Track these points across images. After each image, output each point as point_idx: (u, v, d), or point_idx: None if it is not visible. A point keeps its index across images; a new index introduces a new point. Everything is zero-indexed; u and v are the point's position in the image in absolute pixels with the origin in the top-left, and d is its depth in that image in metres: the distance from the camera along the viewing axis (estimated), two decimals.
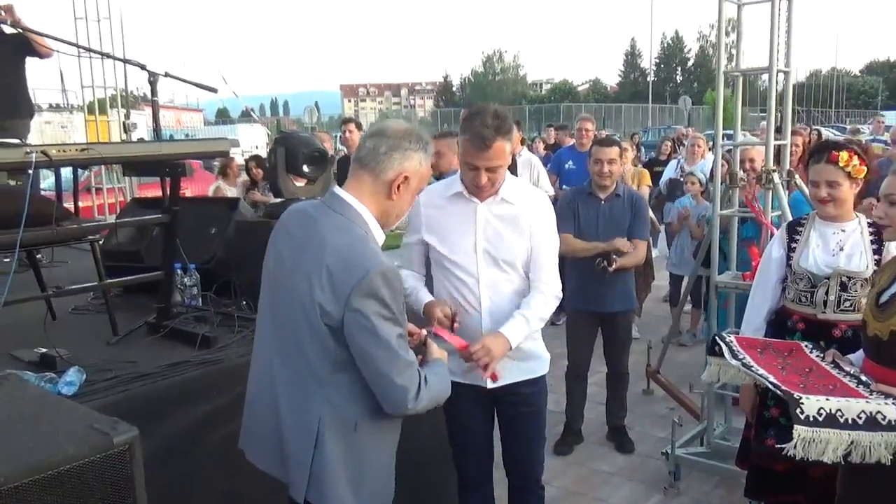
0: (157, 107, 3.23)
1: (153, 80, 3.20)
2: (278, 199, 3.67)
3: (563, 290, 2.78)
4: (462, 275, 2.63)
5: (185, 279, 3.44)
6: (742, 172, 3.99)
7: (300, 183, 3.59)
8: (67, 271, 4.24)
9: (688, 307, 6.19)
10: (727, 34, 4.05)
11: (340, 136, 7.90)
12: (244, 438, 2.20)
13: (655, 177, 7.93)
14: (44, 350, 2.75)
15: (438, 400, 2.05)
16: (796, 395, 2.04)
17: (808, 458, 1.98)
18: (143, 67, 3.24)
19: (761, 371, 2.27)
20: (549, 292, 2.65)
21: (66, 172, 3.90)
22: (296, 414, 1.99)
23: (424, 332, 2.29)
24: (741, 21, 3.82)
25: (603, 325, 4.40)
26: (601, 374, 4.66)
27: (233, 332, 3.04)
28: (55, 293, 3.06)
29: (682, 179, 6.90)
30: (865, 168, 2.68)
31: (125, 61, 3.61)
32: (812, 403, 2.00)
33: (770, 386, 2.17)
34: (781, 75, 3.71)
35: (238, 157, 14.06)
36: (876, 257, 2.67)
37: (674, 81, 72.56)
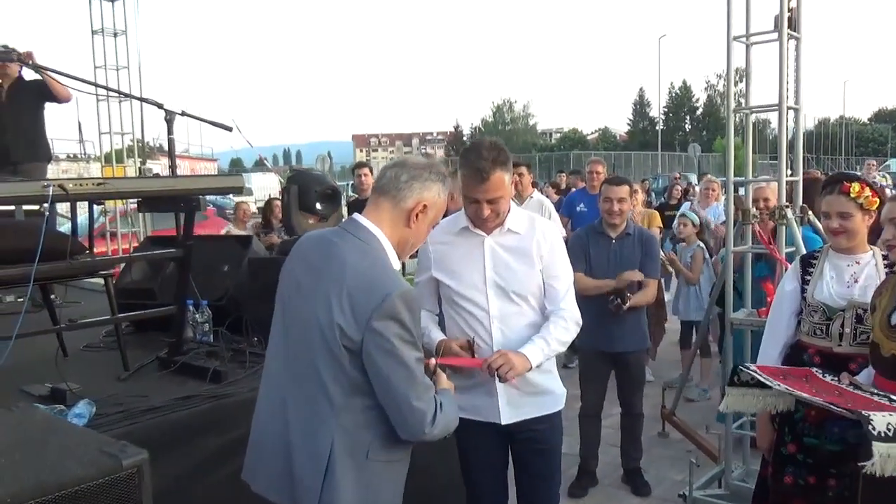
0: (173, 144, 3.28)
1: (170, 118, 3.27)
2: (292, 237, 3.69)
3: None
4: (473, 309, 2.61)
5: (197, 315, 3.45)
6: (755, 209, 3.98)
7: (313, 220, 3.62)
8: (81, 310, 4.25)
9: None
10: (735, 84, 4.07)
11: (354, 182, 7.98)
12: (249, 469, 2.16)
13: (667, 221, 7.93)
14: (54, 385, 2.74)
15: (449, 428, 2.03)
16: (864, 412, 2.00)
17: (884, 474, 1.94)
18: (160, 106, 3.30)
19: (804, 394, 2.24)
20: (569, 318, 2.61)
21: (83, 217, 3.95)
22: (307, 438, 1.96)
23: (433, 361, 2.28)
24: (750, 60, 3.86)
25: (616, 364, 4.34)
26: (616, 417, 4.58)
27: (244, 367, 3.03)
28: (67, 327, 3.07)
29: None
30: (878, 200, 2.67)
31: (142, 100, 3.68)
32: (880, 419, 1.97)
33: (828, 406, 2.14)
34: (792, 113, 3.73)
35: (251, 206, 14.21)
36: None
37: (683, 130, 73.06)
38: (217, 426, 2.62)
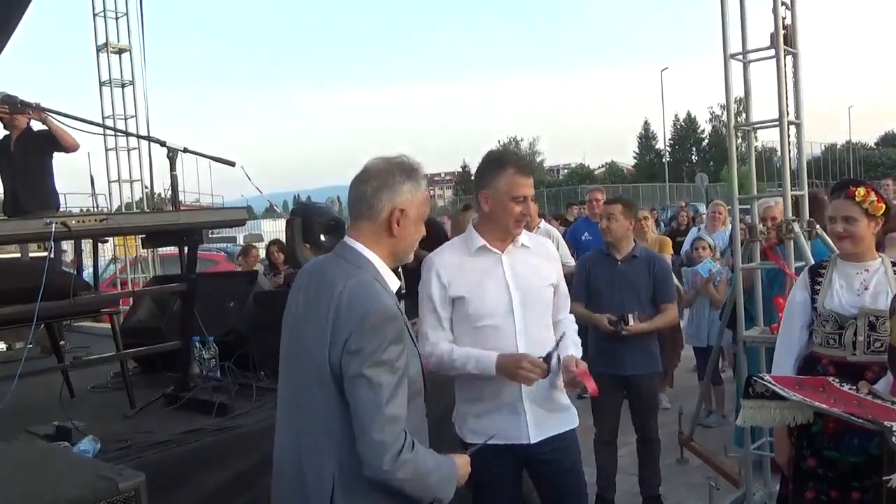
0: (176, 181, 3.30)
1: (172, 155, 3.29)
2: (297, 270, 3.69)
3: (586, 352, 2.81)
4: (498, 325, 2.58)
5: (204, 352, 3.43)
6: (762, 226, 3.96)
7: (318, 253, 3.62)
8: (89, 353, 4.25)
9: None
10: (736, 117, 4.06)
11: None
12: (273, 498, 2.08)
13: (676, 247, 7.89)
14: (59, 423, 2.72)
15: (426, 484, 1.86)
16: (886, 423, 1.98)
17: None
18: (162, 144, 3.33)
19: (823, 405, 2.20)
20: (573, 320, 2.79)
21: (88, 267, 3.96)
22: (312, 469, 1.91)
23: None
24: (748, 77, 3.86)
25: (628, 389, 4.28)
26: (632, 445, 4.49)
27: (250, 400, 3.00)
28: (72, 364, 3.06)
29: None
30: (884, 206, 2.65)
31: (144, 138, 3.74)
32: None
33: (847, 417, 2.11)
34: (794, 129, 3.73)
35: (261, 251, 14.29)
36: None
37: (689, 161, 73.25)
38: (224, 458, 2.58)
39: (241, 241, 26.23)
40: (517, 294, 2.60)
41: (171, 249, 2.89)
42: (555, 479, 2.68)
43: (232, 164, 3.56)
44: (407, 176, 2.00)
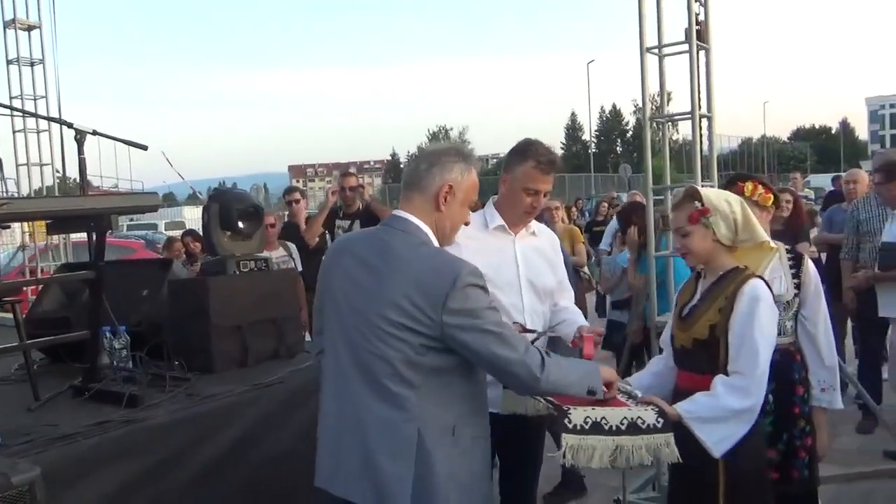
0: (84, 164, 3.15)
1: (80, 138, 3.15)
2: (214, 258, 3.60)
3: None
4: (506, 303, 2.70)
5: (115, 342, 3.31)
6: None
7: (234, 239, 3.54)
8: None
9: None
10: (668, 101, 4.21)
11: (287, 207, 7.75)
12: (324, 473, 2.16)
13: (597, 237, 8.09)
14: None
15: (566, 376, 2.07)
16: (565, 406, 2.11)
17: (578, 466, 2.07)
18: (70, 126, 3.18)
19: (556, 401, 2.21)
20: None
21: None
22: (387, 427, 2.01)
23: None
24: (664, 71, 3.98)
25: None
26: None
27: (163, 391, 2.91)
28: None
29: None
30: (772, 196, 2.82)
31: (51, 119, 3.53)
32: (579, 413, 2.09)
33: (547, 402, 2.21)
34: (706, 122, 3.86)
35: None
36: (795, 280, 2.77)
37: (615, 152, 74.99)
38: (132, 451, 2.50)
39: (162, 228, 25.54)
40: (525, 275, 2.77)
41: (84, 236, 2.78)
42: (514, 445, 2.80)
43: (144, 147, 3.42)
44: (460, 157, 2.16)
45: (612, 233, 7.76)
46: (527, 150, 2.73)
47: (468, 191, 2.17)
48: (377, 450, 2.01)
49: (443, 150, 2.19)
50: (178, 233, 10.76)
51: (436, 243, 2.12)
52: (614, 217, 8.73)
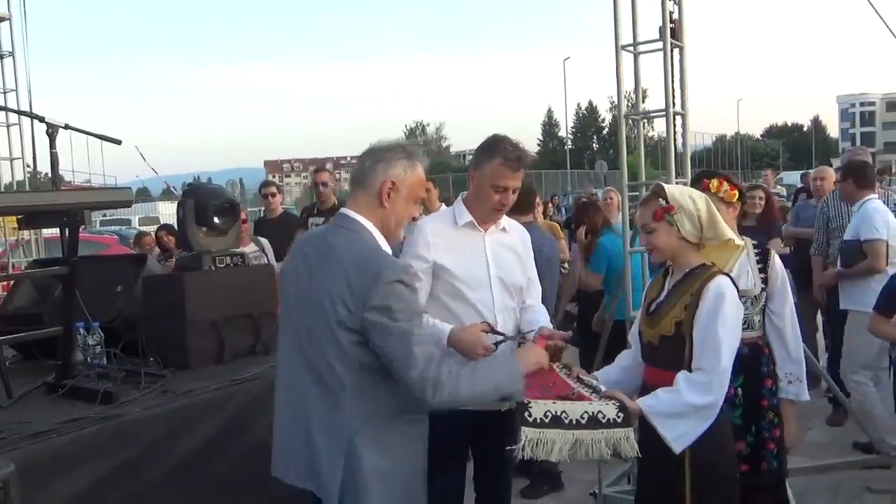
0: (56, 159, 3.12)
1: (52, 132, 3.11)
2: (189, 253, 3.57)
3: None
4: (476, 301, 2.70)
5: (89, 339, 3.28)
6: None
7: (210, 235, 3.51)
8: None
9: None
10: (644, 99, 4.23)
11: (262, 201, 7.69)
12: (278, 464, 2.26)
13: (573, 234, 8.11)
14: None
15: (480, 392, 2.08)
16: (525, 399, 2.12)
17: (537, 458, 2.08)
18: (41, 119, 3.14)
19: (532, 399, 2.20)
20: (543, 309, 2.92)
21: None
22: (326, 418, 2.08)
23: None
24: (639, 68, 4.01)
25: None
26: None
27: (138, 387, 2.89)
28: None
29: None
30: (737, 192, 2.87)
31: (20, 112, 3.47)
32: (539, 407, 2.11)
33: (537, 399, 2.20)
34: (680, 119, 3.90)
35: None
36: (762, 275, 2.82)
37: (591, 149, 75.37)
38: (108, 448, 2.49)
39: (136, 223, 25.21)
40: (495, 272, 2.73)
41: (56, 232, 2.76)
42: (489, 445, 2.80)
43: (118, 142, 3.39)
44: (404, 154, 2.20)
45: None
46: (495, 147, 2.70)
47: (412, 187, 2.20)
48: (317, 441, 2.10)
49: (387, 147, 2.21)
50: (152, 228, 10.64)
51: (381, 240, 2.17)
52: None
